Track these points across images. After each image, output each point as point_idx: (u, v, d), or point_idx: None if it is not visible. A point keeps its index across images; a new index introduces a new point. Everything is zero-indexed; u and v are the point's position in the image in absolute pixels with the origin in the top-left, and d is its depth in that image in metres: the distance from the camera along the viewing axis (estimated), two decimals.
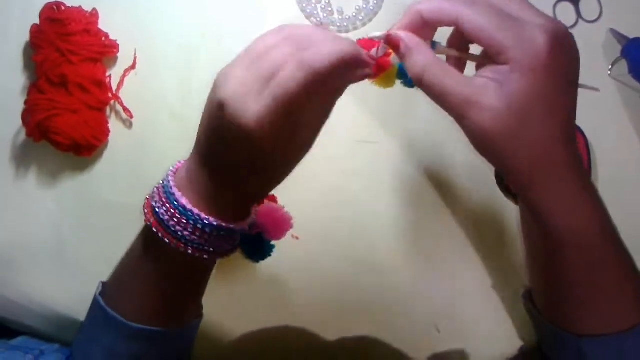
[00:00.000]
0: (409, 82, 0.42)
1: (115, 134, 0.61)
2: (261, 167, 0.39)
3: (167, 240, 0.40)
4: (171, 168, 0.43)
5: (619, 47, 0.60)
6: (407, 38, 0.38)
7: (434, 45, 0.40)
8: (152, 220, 0.40)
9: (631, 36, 0.59)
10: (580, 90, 0.59)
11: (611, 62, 0.61)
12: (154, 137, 0.62)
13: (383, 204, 0.60)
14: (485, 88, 0.36)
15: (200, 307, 0.49)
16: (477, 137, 0.37)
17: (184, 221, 0.39)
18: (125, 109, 0.61)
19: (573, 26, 0.62)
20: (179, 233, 0.40)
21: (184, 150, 0.60)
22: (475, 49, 0.41)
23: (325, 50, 0.35)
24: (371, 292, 0.59)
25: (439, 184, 0.60)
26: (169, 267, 0.43)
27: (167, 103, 0.62)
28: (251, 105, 0.35)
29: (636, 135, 0.61)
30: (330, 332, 0.59)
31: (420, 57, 0.38)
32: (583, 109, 0.59)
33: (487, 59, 0.38)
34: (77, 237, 0.61)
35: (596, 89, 0.52)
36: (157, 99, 0.62)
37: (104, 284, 0.48)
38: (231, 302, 0.60)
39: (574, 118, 0.39)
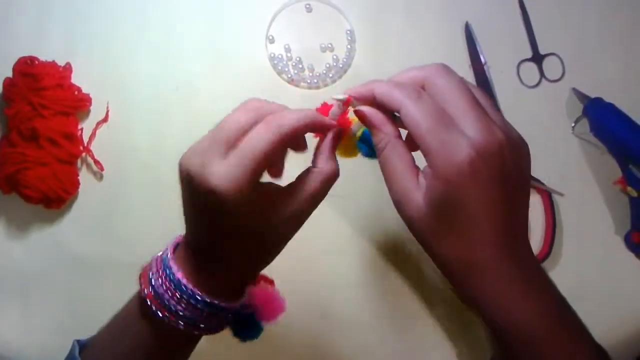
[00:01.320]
0: (368, 153, 0.43)
1: (86, 187, 0.61)
2: (243, 238, 0.39)
3: (159, 313, 0.40)
4: (170, 241, 0.43)
5: (581, 106, 0.62)
6: (371, 115, 0.39)
7: (395, 117, 0.41)
8: (147, 291, 0.40)
9: (592, 95, 0.61)
10: (545, 146, 0.62)
11: (574, 120, 0.63)
12: (125, 189, 0.62)
13: (350, 256, 0.60)
14: (419, 186, 0.37)
15: None
16: (410, 229, 0.39)
17: (178, 295, 0.39)
18: (96, 162, 0.61)
19: (536, 85, 0.64)
20: (173, 307, 0.40)
21: (154, 202, 0.61)
22: None
23: (291, 115, 0.38)
24: (340, 346, 0.59)
25: (408, 240, 0.60)
26: (157, 338, 0.42)
27: (139, 155, 0.62)
28: (215, 167, 0.36)
29: (599, 190, 0.62)
30: None
31: (380, 135, 0.39)
32: (547, 165, 0.61)
33: None
34: (43, 290, 0.60)
35: (561, 194, 0.53)
36: (129, 151, 0.62)
37: (79, 343, 0.46)
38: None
39: (515, 220, 0.38)
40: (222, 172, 0.36)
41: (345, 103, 0.40)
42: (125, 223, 0.61)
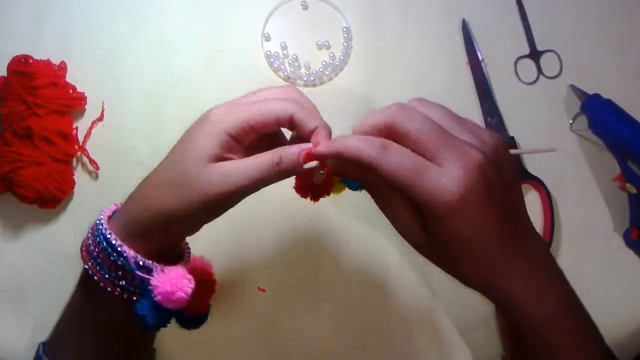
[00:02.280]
0: (354, 186, 0.43)
1: (81, 186, 0.61)
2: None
3: (96, 278, 0.41)
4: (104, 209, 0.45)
5: (579, 102, 0.62)
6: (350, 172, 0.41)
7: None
8: (86, 259, 0.42)
9: (590, 92, 0.61)
10: (543, 143, 0.62)
11: (572, 117, 0.63)
12: (120, 188, 0.60)
13: (344, 250, 0.60)
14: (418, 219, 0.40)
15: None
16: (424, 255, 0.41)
17: (99, 246, 0.41)
18: (92, 161, 0.61)
19: (534, 82, 0.64)
20: (97, 261, 0.41)
21: None
22: None
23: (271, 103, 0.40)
24: (336, 346, 0.59)
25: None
26: (102, 312, 0.43)
27: (134, 153, 0.62)
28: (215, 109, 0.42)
29: (597, 187, 0.62)
30: None
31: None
32: (545, 162, 0.61)
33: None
34: (37, 289, 0.60)
35: (552, 149, 0.54)
36: (125, 149, 0.62)
37: (44, 344, 0.47)
38: (196, 356, 0.59)
39: (515, 221, 0.40)
40: (226, 105, 0.42)
41: (320, 166, 0.40)
42: None
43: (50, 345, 0.47)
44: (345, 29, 0.64)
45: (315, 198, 0.44)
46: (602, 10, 0.65)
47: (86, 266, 0.42)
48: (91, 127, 0.61)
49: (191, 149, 0.40)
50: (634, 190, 0.59)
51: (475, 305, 0.56)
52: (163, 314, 0.41)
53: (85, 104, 0.62)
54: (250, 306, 0.59)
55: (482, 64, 0.63)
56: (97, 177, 0.61)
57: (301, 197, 0.44)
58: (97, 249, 0.41)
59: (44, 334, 0.58)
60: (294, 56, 0.63)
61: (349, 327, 0.59)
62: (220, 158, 0.39)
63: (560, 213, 0.61)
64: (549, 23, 0.64)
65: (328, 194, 0.43)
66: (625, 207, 0.61)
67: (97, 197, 0.61)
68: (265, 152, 0.39)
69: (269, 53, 0.63)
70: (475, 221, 0.36)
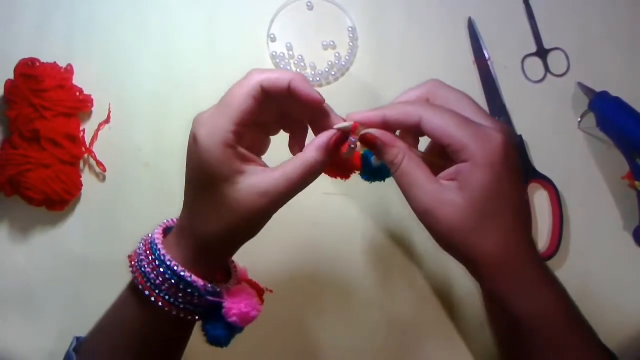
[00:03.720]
0: (366, 177, 0.45)
1: (88, 188, 0.61)
2: (217, 201, 0.39)
3: (146, 292, 0.41)
4: (160, 224, 0.45)
5: (586, 100, 0.61)
6: (381, 135, 0.40)
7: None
8: (136, 273, 0.42)
9: (598, 89, 0.61)
10: (551, 142, 0.61)
11: (580, 115, 0.62)
12: (127, 189, 0.62)
13: (349, 253, 0.60)
14: (449, 186, 0.39)
15: None
16: (440, 232, 0.39)
17: (162, 274, 0.41)
18: (98, 162, 0.61)
19: (541, 80, 0.63)
20: (156, 284, 0.41)
21: (156, 202, 0.61)
22: None
23: (264, 72, 0.41)
24: (344, 343, 0.59)
25: (405, 238, 0.60)
26: (148, 324, 0.43)
27: (140, 154, 0.62)
28: (201, 116, 0.40)
29: (606, 185, 0.61)
30: None
31: (395, 150, 0.40)
32: (553, 161, 0.61)
33: (448, 160, 0.40)
34: (46, 292, 0.60)
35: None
36: (131, 151, 0.62)
37: (78, 339, 0.47)
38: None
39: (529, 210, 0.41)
40: (204, 118, 0.39)
41: (352, 130, 0.41)
42: (129, 223, 0.61)
43: (85, 343, 0.47)
44: (350, 29, 0.64)
45: (345, 175, 0.45)
46: (609, 6, 0.64)
47: (141, 286, 0.41)
48: (98, 129, 0.62)
49: (214, 168, 0.39)
50: None
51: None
52: (235, 331, 0.44)
53: (92, 106, 0.62)
54: None
55: (489, 62, 0.63)
56: (104, 178, 0.62)
57: (331, 177, 0.45)
58: (160, 278, 0.41)
59: (51, 336, 0.59)
60: (300, 56, 0.63)
61: (353, 328, 0.59)
62: (239, 157, 0.39)
63: (569, 211, 0.61)
64: (556, 21, 0.64)
65: (357, 169, 0.44)
66: (634, 205, 0.60)
67: (104, 199, 0.61)
68: (294, 158, 0.40)
69: (274, 54, 0.63)
70: (514, 179, 0.38)
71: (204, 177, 0.39)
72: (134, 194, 0.62)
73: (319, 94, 0.40)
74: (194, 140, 0.39)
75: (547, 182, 0.60)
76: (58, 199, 0.59)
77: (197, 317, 0.43)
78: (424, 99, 0.41)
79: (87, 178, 0.61)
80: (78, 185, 0.60)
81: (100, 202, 0.61)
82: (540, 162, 0.61)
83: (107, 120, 0.62)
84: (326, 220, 0.60)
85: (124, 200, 0.62)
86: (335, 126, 0.40)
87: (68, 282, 0.60)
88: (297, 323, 0.59)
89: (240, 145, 0.39)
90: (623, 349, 0.57)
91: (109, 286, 0.59)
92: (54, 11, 0.64)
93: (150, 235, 0.43)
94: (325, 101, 0.40)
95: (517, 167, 0.39)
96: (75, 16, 0.64)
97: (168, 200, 0.60)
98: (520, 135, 0.61)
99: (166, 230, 0.45)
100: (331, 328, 0.59)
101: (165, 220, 0.46)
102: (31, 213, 0.60)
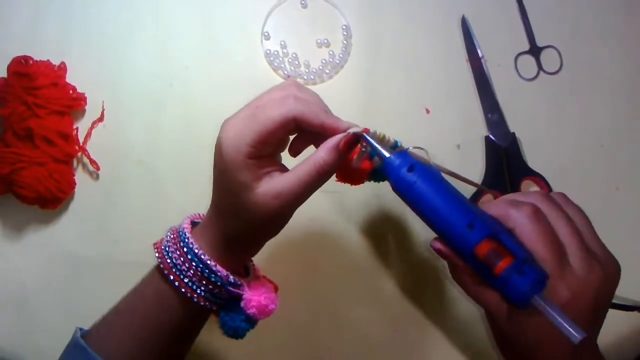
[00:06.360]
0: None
1: (82, 186, 0.61)
2: (241, 208, 0.42)
3: (171, 277, 0.43)
4: (188, 215, 0.47)
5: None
6: (447, 252, 0.42)
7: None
8: (162, 258, 0.44)
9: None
10: (544, 140, 0.61)
11: None
12: (121, 188, 0.61)
13: (345, 249, 0.60)
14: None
15: None
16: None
17: (190, 261, 0.43)
18: (92, 161, 0.61)
19: (534, 78, 0.63)
20: (182, 270, 0.43)
21: (150, 200, 0.60)
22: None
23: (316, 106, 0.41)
24: (343, 343, 0.59)
25: (401, 231, 0.60)
26: (165, 310, 0.45)
27: (134, 153, 0.62)
28: (228, 122, 0.41)
29: (598, 182, 0.62)
30: None
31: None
32: (547, 160, 0.61)
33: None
34: (39, 290, 0.60)
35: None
36: (125, 149, 0.62)
37: (82, 329, 0.48)
38: (208, 353, 0.59)
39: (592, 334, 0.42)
40: (230, 125, 0.41)
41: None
42: (122, 222, 0.61)
43: (95, 331, 0.47)
44: (344, 27, 0.64)
45: (355, 181, 0.47)
46: (602, 4, 0.64)
47: (166, 271, 0.44)
48: (91, 128, 0.61)
49: (236, 187, 0.41)
50: None
51: None
52: (252, 323, 0.46)
53: (86, 104, 0.62)
54: None
55: (482, 60, 0.63)
56: (97, 177, 0.61)
57: (341, 182, 0.47)
58: (186, 264, 0.43)
59: (45, 334, 0.59)
60: (294, 54, 0.63)
61: (349, 325, 0.59)
62: (259, 173, 0.41)
63: None
64: (549, 19, 0.64)
65: (367, 176, 0.46)
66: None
67: (97, 197, 0.61)
68: (306, 160, 0.41)
69: (268, 52, 0.63)
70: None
71: (227, 182, 0.41)
72: (127, 193, 0.61)
73: (348, 125, 0.41)
74: (219, 146, 0.41)
75: (540, 180, 0.61)
76: (51, 198, 0.58)
77: (214, 308, 0.45)
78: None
79: (80, 176, 0.61)
80: (71, 184, 0.60)
81: (93, 201, 0.61)
82: (533, 159, 0.62)
83: (100, 119, 0.62)
84: (322, 217, 0.60)
85: (118, 198, 0.61)
86: (348, 131, 0.41)
87: (61, 280, 0.60)
88: (292, 320, 0.59)
89: (260, 146, 0.41)
90: (619, 349, 0.58)
91: (102, 284, 0.59)
92: (47, 9, 0.64)
93: (179, 225, 0.46)
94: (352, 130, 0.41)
95: (580, 314, 0.39)
96: (68, 14, 0.64)
97: (162, 199, 0.60)
98: (513, 133, 0.62)
99: (192, 224, 0.47)
100: (326, 325, 0.59)
101: (193, 214, 0.48)
102: (24, 212, 0.60)
